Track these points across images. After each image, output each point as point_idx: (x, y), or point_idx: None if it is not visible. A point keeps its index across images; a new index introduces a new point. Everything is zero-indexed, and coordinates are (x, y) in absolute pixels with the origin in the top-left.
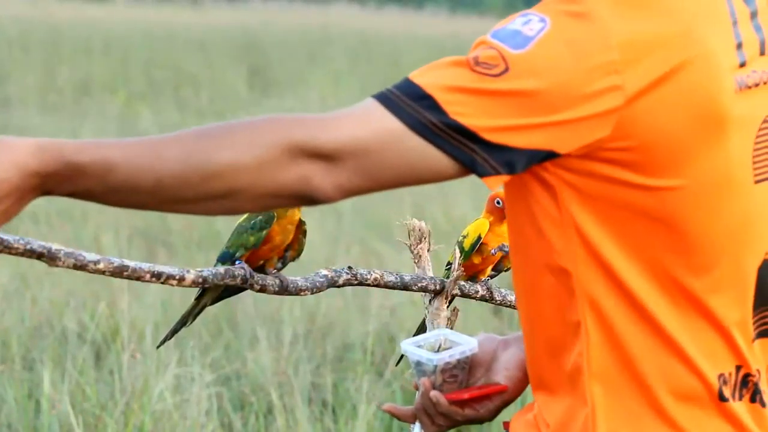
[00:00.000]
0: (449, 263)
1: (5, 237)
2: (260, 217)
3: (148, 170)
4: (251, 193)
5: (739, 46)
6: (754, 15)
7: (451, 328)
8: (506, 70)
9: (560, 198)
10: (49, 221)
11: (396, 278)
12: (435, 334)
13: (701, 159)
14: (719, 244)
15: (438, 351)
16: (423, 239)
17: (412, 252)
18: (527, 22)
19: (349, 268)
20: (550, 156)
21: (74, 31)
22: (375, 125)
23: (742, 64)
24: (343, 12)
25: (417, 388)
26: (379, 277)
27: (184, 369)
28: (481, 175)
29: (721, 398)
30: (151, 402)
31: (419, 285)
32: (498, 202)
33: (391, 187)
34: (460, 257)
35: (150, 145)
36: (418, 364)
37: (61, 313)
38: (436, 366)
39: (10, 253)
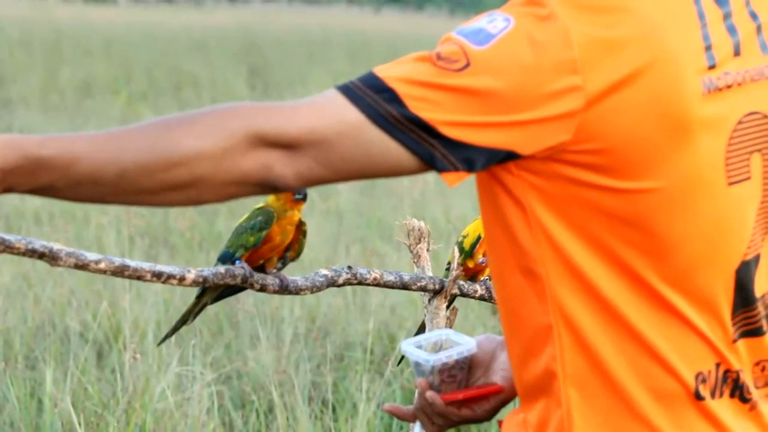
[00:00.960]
0: (449, 264)
1: (7, 237)
2: (260, 218)
3: (113, 161)
4: (214, 181)
5: (708, 48)
6: (727, 16)
7: (450, 327)
8: (467, 65)
9: (526, 200)
10: (51, 221)
11: (395, 278)
12: (436, 334)
13: (669, 161)
14: (692, 247)
15: (438, 351)
16: (422, 239)
17: (411, 252)
18: (492, 21)
19: (349, 267)
20: (511, 156)
21: (76, 32)
22: (335, 115)
23: (712, 66)
24: (342, 13)
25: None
26: (378, 276)
27: (186, 368)
28: (440, 170)
29: (698, 397)
30: (152, 401)
31: (418, 284)
32: None
33: (353, 178)
34: (460, 257)
35: (114, 135)
36: (417, 364)
37: (63, 313)
38: (433, 366)
39: (12, 253)
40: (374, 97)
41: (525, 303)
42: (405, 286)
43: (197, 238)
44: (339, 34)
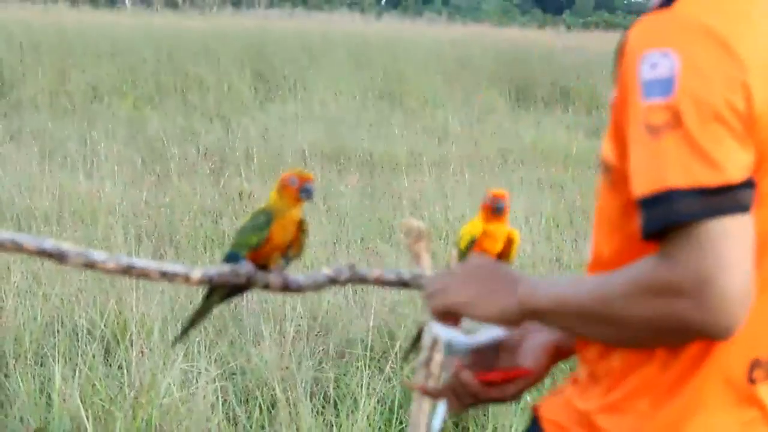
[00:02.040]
0: (448, 264)
1: (19, 238)
2: (261, 218)
3: (575, 306)
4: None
5: None
6: None
7: None
8: None
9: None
10: (60, 222)
11: (395, 276)
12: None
13: None
14: None
15: (470, 334)
16: (421, 238)
17: (410, 251)
18: None
19: (350, 266)
20: None
21: (84, 36)
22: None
23: None
24: (344, 19)
25: (444, 370)
26: (378, 275)
27: (191, 364)
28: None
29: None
30: (158, 396)
31: (418, 283)
32: (491, 200)
33: None
34: (457, 256)
35: (575, 287)
36: (450, 345)
37: (71, 310)
38: (467, 347)
39: (23, 253)
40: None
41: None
42: (405, 285)
43: (202, 239)
44: (341, 39)
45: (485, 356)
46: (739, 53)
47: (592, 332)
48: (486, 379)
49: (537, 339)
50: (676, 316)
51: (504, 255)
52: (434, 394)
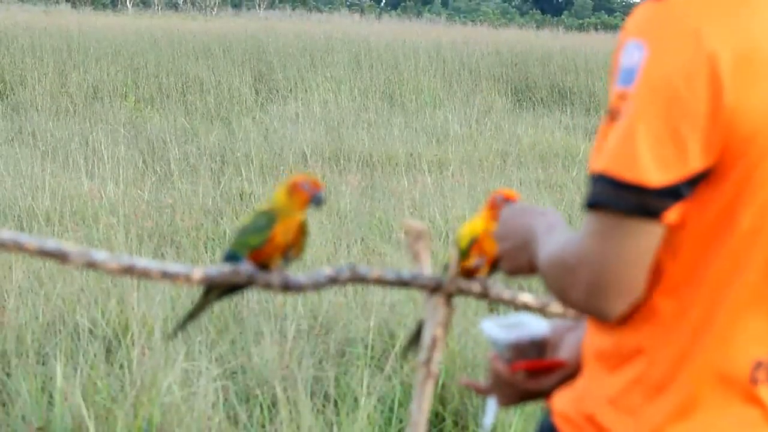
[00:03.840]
0: (447, 265)
1: (21, 238)
2: (263, 218)
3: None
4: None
5: None
6: None
7: (447, 324)
8: None
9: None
10: (62, 222)
11: (395, 276)
12: (514, 317)
13: None
14: None
15: (511, 329)
16: (421, 238)
17: (410, 251)
18: None
19: (350, 266)
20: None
21: (85, 38)
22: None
23: None
24: (344, 20)
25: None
26: (378, 275)
27: (192, 363)
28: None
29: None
30: (159, 395)
31: (417, 283)
32: (498, 199)
33: None
34: (457, 256)
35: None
36: (494, 341)
37: (73, 310)
38: (508, 343)
39: (24, 253)
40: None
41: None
42: (404, 284)
43: (203, 238)
44: (341, 40)
45: (528, 354)
46: (713, 51)
47: (551, 293)
48: (518, 368)
49: (575, 333)
50: (565, 289)
51: None
52: (482, 390)
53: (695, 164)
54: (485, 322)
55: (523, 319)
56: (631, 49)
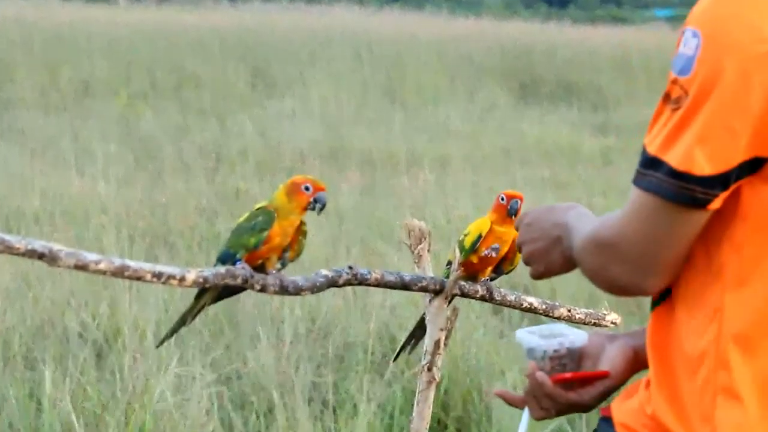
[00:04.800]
0: (449, 262)
1: (7, 237)
2: (260, 218)
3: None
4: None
5: None
6: None
7: (451, 328)
8: None
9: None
10: (51, 221)
11: (396, 278)
12: (549, 326)
13: None
14: None
15: (549, 339)
16: (423, 239)
17: (413, 252)
18: None
19: (350, 267)
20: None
21: (76, 32)
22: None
23: None
24: (343, 13)
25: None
26: (379, 277)
27: (185, 368)
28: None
29: None
30: (152, 401)
31: (419, 285)
32: (502, 199)
33: None
34: (461, 256)
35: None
36: (530, 350)
37: (62, 313)
38: (545, 352)
39: (12, 253)
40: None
41: (700, 282)
42: (406, 287)
43: (197, 239)
44: (340, 33)
45: (566, 363)
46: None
47: (588, 278)
48: (559, 379)
49: (616, 344)
50: (606, 265)
51: (508, 258)
52: (516, 403)
53: (746, 156)
54: (520, 330)
55: (558, 329)
56: (689, 36)
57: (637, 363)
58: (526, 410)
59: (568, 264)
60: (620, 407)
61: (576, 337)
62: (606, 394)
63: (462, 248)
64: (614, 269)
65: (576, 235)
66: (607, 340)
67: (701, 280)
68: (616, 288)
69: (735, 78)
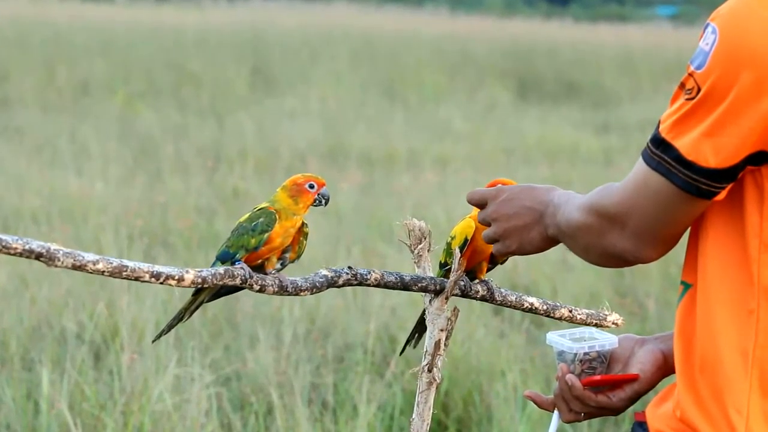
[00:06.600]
0: (442, 264)
1: (4, 237)
2: (261, 219)
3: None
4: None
5: None
6: None
7: (452, 329)
8: None
9: None
10: (49, 221)
11: (396, 278)
12: (580, 330)
13: None
14: None
15: (579, 342)
16: (423, 239)
17: (413, 252)
18: None
19: (349, 268)
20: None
21: (73, 30)
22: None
23: None
24: (343, 11)
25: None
26: (379, 277)
27: (184, 369)
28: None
29: None
30: (150, 402)
31: (419, 285)
32: None
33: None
34: (460, 258)
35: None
36: (561, 352)
37: (60, 313)
38: (575, 355)
39: (8, 253)
40: None
41: (729, 285)
42: (406, 287)
43: (196, 239)
44: (340, 32)
45: (596, 366)
46: None
47: (577, 251)
48: (589, 381)
49: (645, 348)
50: (603, 234)
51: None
52: (545, 406)
53: (752, 150)
54: (551, 333)
55: (589, 332)
56: (709, 32)
57: (666, 367)
58: (556, 413)
59: (543, 243)
60: (654, 412)
61: (606, 340)
62: (635, 398)
63: (449, 253)
64: (611, 238)
65: (565, 211)
66: (637, 344)
67: (739, 278)
68: (612, 257)
69: (750, 84)
